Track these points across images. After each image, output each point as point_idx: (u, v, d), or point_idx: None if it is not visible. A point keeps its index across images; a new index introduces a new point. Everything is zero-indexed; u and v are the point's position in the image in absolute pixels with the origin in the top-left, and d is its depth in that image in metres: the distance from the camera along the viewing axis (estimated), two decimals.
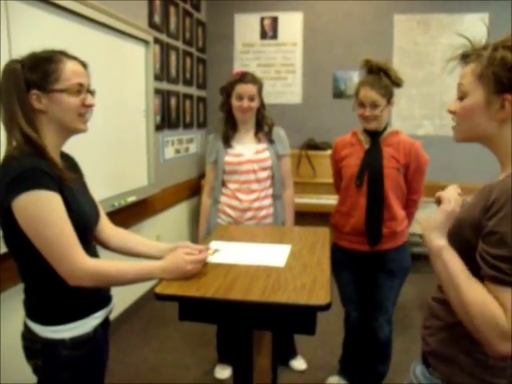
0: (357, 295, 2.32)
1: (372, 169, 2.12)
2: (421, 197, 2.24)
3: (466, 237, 0.99)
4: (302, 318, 1.22)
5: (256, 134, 2.42)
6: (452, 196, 1.05)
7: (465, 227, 1.00)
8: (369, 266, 2.25)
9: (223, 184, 2.42)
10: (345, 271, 2.28)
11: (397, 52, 4.37)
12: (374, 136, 2.14)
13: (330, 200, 2.40)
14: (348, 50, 4.36)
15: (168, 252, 1.38)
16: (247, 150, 2.38)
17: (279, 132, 2.45)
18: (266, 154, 2.38)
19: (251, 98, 2.31)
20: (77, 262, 1.18)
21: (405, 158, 2.12)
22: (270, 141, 2.41)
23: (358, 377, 2.44)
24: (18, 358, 1.41)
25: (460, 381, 1.03)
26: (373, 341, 2.28)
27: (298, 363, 2.71)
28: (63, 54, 1.24)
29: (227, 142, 2.39)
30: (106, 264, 1.25)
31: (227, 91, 2.35)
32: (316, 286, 1.26)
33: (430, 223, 1.04)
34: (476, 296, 0.92)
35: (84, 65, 1.29)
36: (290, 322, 1.24)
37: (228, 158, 2.37)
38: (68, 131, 1.28)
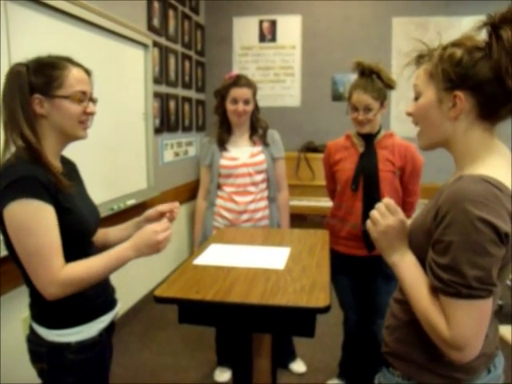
0: (355, 299, 2.32)
1: (367, 172, 2.10)
2: (418, 199, 2.24)
3: (421, 243, 0.99)
4: (301, 321, 1.22)
5: (251, 136, 2.41)
6: (376, 215, 1.05)
7: (419, 233, 1.00)
8: (365, 270, 2.24)
9: (219, 187, 2.41)
10: (342, 276, 2.26)
11: (395, 54, 4.38)
12: (368, 139, 2.13)
13: (329, 202, 2.40)
14: (347, 53, 4.35)
15: (142, 222, 1.40)
16: (242, 153, 2.38)
17: (274, 135, 2.45)
18: (262, 157, 2.38)
19: (246, 102, 2.30)
20: (48, 278, 1.13)
21: (400, 161, 2.11)
22: (265, 144, 2.40)
23: (358, 379, 2.44)
24: (17, 361, 1.41)
25: (420, 378, 1.04)
26: (372, 344, 2.28)
27: (298, 366, 2.71)
28: (68, 61, 1.24)
29: (222, 145, 2.39)
30: (75, 269, 1.18)
31: (222, 95, 2.35)
32: (315, 289, 1.26)
33: (378, 245, 1.07)
34: (421, 307, 0.95)
35: (88, 72, 1.29)
36: (289, 324, 1.24)
37: (223, 162, 2.37)
38: (68, 137, 1.28)
